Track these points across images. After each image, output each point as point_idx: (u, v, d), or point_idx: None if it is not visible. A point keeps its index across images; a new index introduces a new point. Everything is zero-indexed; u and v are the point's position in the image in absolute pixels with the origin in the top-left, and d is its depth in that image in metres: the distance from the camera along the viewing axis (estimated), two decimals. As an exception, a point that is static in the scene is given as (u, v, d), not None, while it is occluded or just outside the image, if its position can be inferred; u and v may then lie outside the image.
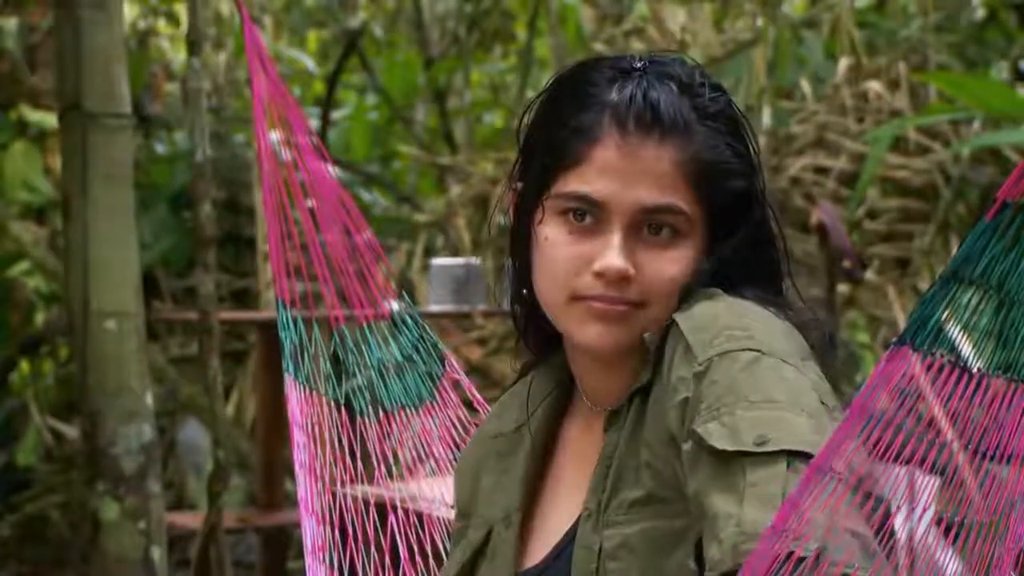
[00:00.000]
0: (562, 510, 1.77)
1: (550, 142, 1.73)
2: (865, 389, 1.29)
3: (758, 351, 1.57)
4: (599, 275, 1.68)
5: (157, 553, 4.06)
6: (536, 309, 1.76)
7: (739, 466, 1.49)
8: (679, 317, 1.64)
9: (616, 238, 1.68)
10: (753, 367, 1.56)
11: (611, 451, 1.70)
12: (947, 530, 1.38)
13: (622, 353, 1.71)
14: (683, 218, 1.69)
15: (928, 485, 1.44)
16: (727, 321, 1.61)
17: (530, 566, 1.76)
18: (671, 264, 1.69)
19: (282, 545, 6.23)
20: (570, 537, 1.71)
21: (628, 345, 1.69)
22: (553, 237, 1.71)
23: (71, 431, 6.85)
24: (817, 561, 1.35)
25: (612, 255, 1.67)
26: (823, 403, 1.56)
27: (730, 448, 1.50)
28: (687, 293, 1.69)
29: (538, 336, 1.81)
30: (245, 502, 6.81)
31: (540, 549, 1.77)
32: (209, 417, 5.26)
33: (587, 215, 1.69)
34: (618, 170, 1.68)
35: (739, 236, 1.71)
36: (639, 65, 1.73)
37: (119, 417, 4.03)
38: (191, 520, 5.88)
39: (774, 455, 1.48)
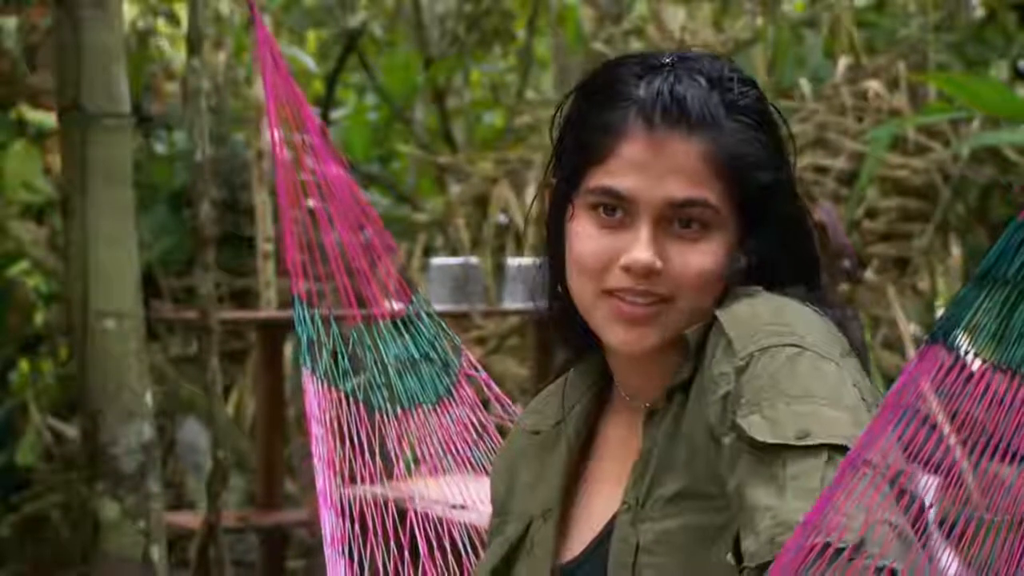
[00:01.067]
0: (601, 505, 1.77)
1: (579, 139, 1.74)
2: (897, 387, 1.29)
3: (799, 347, 1.58)
4: (627, 269, 1.68)
5: (157, 553, 4.06)
6: (572, 307, 1.77)
7: (780, 459, 1.49)
8: (720, 314, 1.65)
9: (644, 232, 1.68)
10: (794, 362, 1.56)
11: (650, 447, 1.70)
12: (976, 529, 1.37)
13: (656, 350, 1.71)
14: (712, 212, 1.69)
15: (939, 484, 1.44)
16: (768, 317, 1.62)
17: (568, 560, 1.77)
18: (700, 257, 1.69)
19: (281, 545, 6.23)
20: (608, 531, 1.72)
21: (658, 344, 1.70)
22: (583, 232, 1.72)
23: (71, 431, 6.85)
24: (854, 552, 1.34)
25: (639, 249, 1.68)
26: (863, 399, 1.56)
27: (771, 440, 1.50)
28: (728, 292, 1.69)
29: (575, 335, 1.81)
30: (245, 502, 6.81)
31: (578, 544, 1.77)
32: (209, 417, 5.25)
33: (616, 210, 1.70)
34: (645, 164, 1.69)
35: (770, 229, 1.71)
36: (667, 61, 1.73)
37: (119, 417, 4.02)
38: (191, 520, 5.88)
39: (815, 448, 1.49)
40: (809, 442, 1.49)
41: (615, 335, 1.70)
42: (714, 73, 1.72)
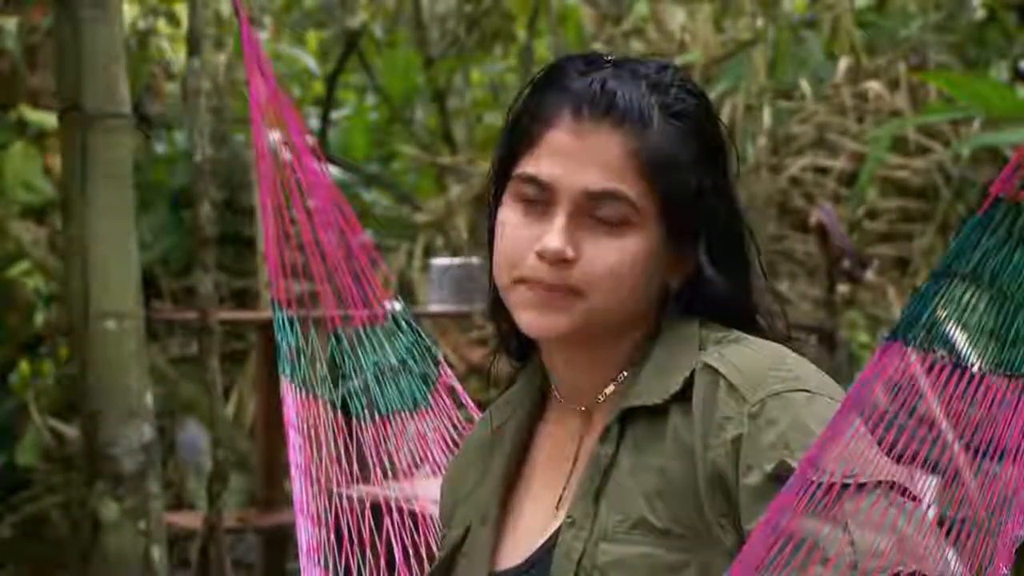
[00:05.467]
0: (534, 508, 1.78)
1: (515, 127, 1.76)
2: (857, 384, 1.30)
3: (808, 391, 1.60)
4: (540, 256, 1.69)
5: (157, 553, 4.06)
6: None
7: (831, 496, 1.45)
8: (712, 361, 1.65)
9: (560, 221, 1.68)
10: (811, 406, 1.58)
11: (605, 465, 1.69)
12: (949, 529, 1.39)
13: (582, 345, 1.72)
14: (629, 206, 1.68)
15: (928, 485, 1.45)
16: (768, 363, 1.63)
17: (507, 567, 1.76)
18: (614, 253, 1.68)
19: (282, 545, 6.24)
20: (551, 544, 1.70)
21: (569, 331, 1.69)
22: (506, 220, 1.73)
23: (71, 431, 6.85)
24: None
25: (551, 237, 1.68)
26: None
27: (824, 480, 1.45)
28: (667, 322, 1.72)
29: (512, 334, 1.82)
30: (245, 502, 6.81)
31: (514, 548, 1.77)
32: (209, 417, 5.26)
33: (539, 201, 1.71)
34: (569, 153, 1.69)
35: (699, 242, 1.71)
36: (610, 59, 1.75)
37: (119, 417, 4.03)
38: (191, 520, 5.89)
39: (866, 486, 1.48)
40: (861, 480, 1.47)
41: (526, 320, 1.70)
42: (655, 77, 1.72)
